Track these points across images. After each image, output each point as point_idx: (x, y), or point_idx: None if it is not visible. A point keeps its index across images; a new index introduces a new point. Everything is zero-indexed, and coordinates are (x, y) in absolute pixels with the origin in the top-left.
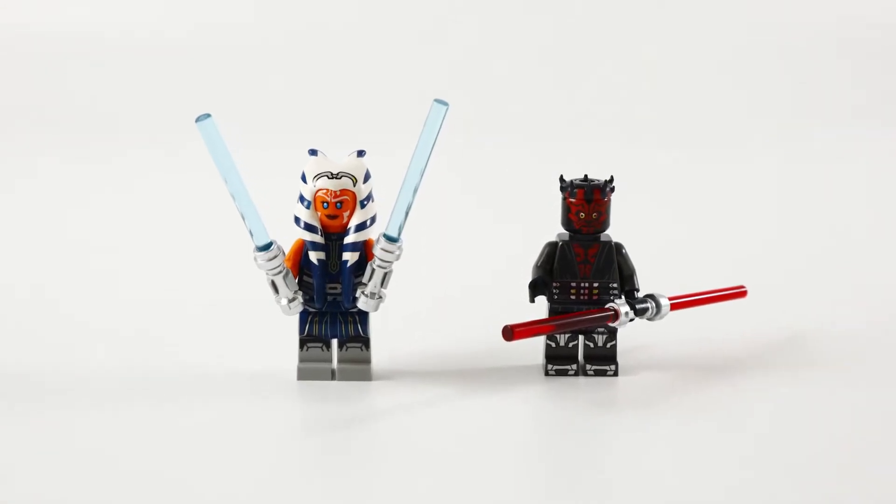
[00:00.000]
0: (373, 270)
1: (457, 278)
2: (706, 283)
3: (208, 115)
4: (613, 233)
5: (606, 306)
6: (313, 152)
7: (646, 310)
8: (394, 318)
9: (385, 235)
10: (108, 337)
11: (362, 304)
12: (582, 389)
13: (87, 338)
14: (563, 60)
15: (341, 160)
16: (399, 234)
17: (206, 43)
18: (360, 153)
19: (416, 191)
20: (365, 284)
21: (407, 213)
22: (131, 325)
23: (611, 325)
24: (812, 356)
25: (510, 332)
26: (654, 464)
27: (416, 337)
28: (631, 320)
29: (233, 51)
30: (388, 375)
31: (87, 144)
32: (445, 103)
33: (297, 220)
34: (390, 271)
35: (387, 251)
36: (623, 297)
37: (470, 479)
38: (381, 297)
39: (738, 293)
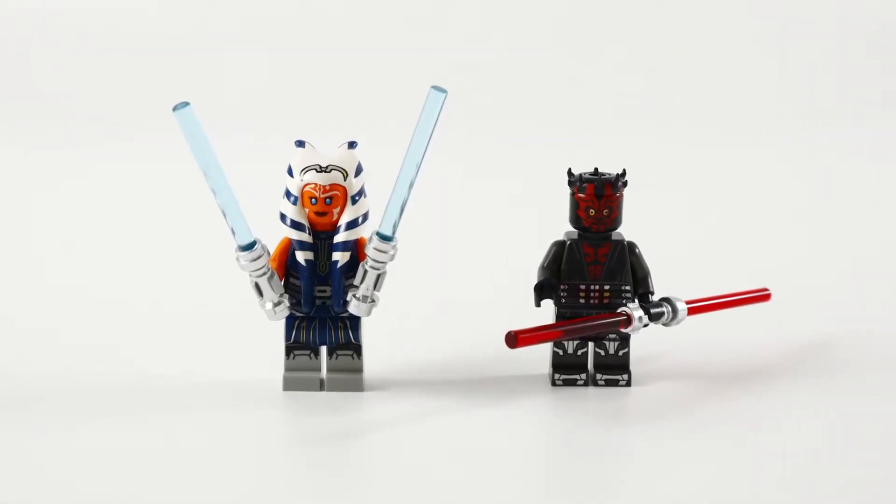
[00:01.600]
0: (365, 272)
1: (457, 280)
2: (725, 285)
3: (187, 104)
4: (625, 231)
5: (619, 310)
6: (300, 143)
7: (661, 314)
8: (389, 323)
9: (378, 234)
10: (78, 344)
11: (353, 308)
12: (592, 400)
13: (56, 347)
14: (572, 47)
15: (331, 152)
16: (394, 233)
17: (191, 27)
18: (352, 144)
19: (412, 185)
20: (356, 287)
21: (402, 210)
22: (103, 331)
23: (623, 331)
24: (839, 363)
25: (514, 339)
26: (670, 481)
27: (413, 344)
28: (645, 325)
29: (218, 35)
30: (383, 385)
31: (56, 134)
32: (444, 90)
33: (282, 217)
34: (384, 272)
35: (380, 251)
36: (636, 300)
37: (469, 499)
38: (374, 301)
39: (762, 297)
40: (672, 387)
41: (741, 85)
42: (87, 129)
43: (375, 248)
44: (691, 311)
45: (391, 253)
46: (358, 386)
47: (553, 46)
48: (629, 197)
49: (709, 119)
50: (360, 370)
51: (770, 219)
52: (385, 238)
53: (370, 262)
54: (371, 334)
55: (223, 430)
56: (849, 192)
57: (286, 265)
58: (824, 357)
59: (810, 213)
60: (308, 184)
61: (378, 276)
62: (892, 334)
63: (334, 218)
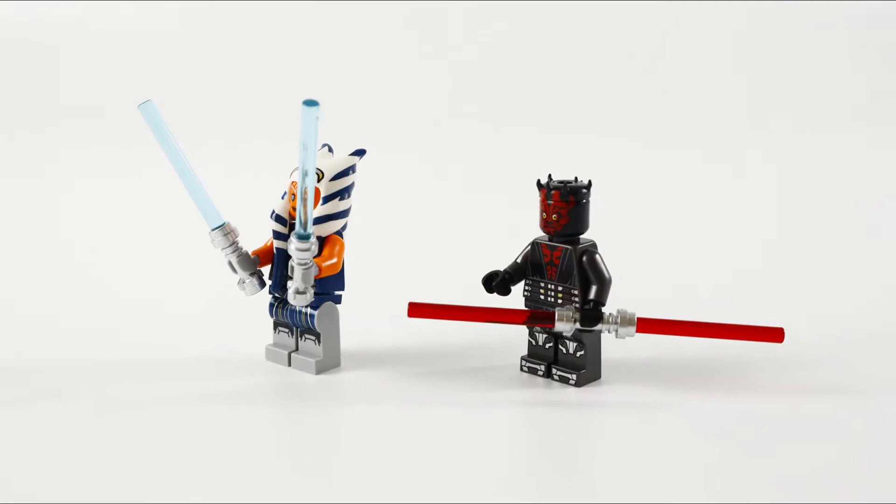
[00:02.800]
0: (292, 268)
1: (450, 275)
2: (717, 289)
3: (149, 101)
4: (625, 237)
5: (551, 310)
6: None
7: (593, 322)
8: (382, 317)
9: (296, 234)
10: (60, 328)
11: (291, 298)
12: (570, 397)
13: (60, 334)
14: (574, 48)
15: (336, 156)
16: (306, 230)
17: (202, 30)
18: (357, 152)
19: (305, 192)
20: (291, 279)
21: (307, 211)
22: (92, 315)
23: (553, 330)
24: (817, 364)
25: (409, 308)
26: (641, 481)
27: (400, 335)
28: (584, 330)
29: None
30: (368, 375)
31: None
32: (315, 103)
33: (272, 211)
34: (310, 267)
35: (301, 249)
36: (578, 305)
37: (437, 485)
38: (305, 293)
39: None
40: (647, 388)
41: (739, 86)
42: (84, 131)
43: (296, 248)
44: (643, 329)
45: (313, 249)
46: (310, 369)
47: (562, 47)
48: (628, 202)
49: (700, 126)
50: (317, 356)
51: (766, 222)
52: (301, 237)
53: (294, 260)
54: (363, 324)
55: (208, 399)
56: (834, 198)
57: (273, 255)
58: (803, 358)
59: (798, 217)
60: (292, 182)
61: (304, 272)
62: (873, 333)
63: None
